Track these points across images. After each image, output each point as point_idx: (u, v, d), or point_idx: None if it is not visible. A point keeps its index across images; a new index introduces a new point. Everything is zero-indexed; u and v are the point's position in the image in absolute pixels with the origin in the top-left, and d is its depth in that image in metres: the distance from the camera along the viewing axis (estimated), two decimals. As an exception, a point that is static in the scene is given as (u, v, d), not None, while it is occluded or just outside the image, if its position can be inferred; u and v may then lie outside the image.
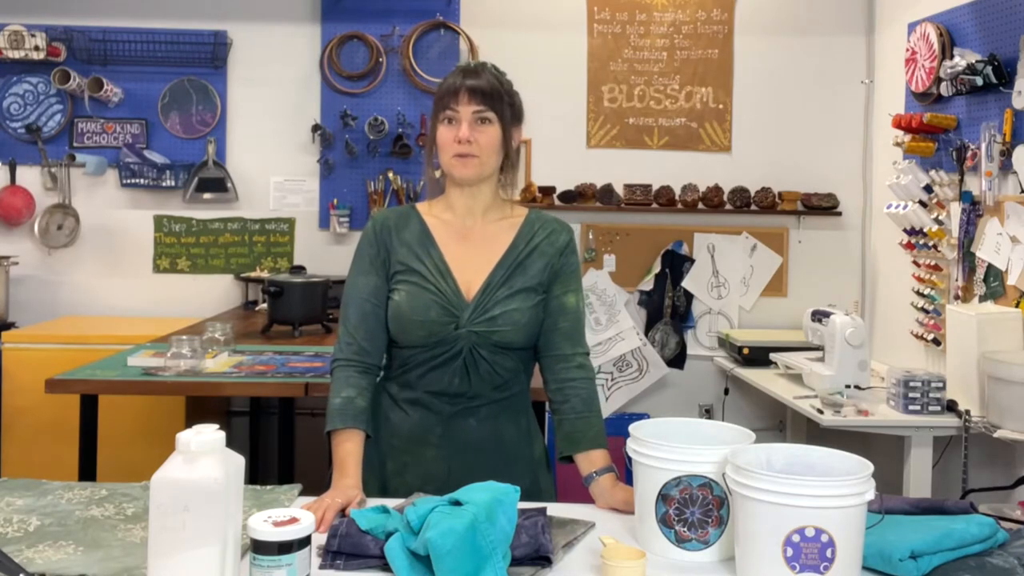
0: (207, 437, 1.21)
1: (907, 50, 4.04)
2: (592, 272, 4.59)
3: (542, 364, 1.94)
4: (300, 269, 4.00)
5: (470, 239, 1.92)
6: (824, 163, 4.61)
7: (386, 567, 1.38)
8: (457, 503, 1.40)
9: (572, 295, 1.92)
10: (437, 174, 1.95)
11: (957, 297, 3.68)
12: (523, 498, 1.82)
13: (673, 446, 1.47)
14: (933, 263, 3.84)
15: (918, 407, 3.23)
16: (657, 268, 4.60)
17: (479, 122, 1.85)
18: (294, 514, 1.25)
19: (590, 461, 1.82)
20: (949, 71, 3.60)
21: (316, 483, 1.88)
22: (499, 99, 1.86)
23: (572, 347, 1.91)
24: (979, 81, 3.40)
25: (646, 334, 4.60)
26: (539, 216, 1.98)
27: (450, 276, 1.87)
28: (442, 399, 1.87)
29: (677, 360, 4.60)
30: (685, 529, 1.46)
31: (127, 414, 3.53)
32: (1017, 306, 3.28)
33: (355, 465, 1.77)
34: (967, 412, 3.17)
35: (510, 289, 1.87)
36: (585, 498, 1.77)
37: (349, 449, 1.79)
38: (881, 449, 3.47)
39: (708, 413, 4.61)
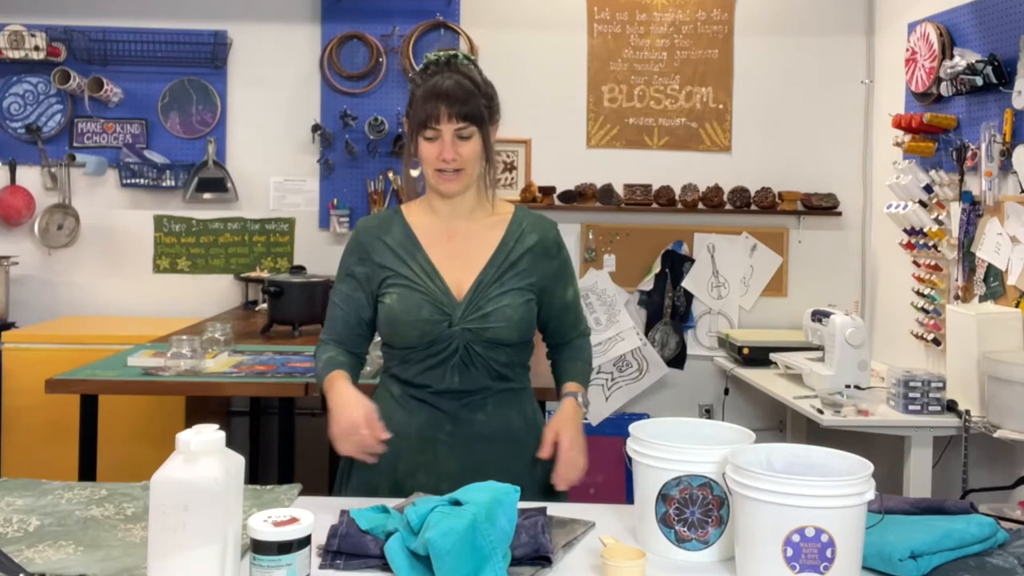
0: (207, 437, 1.22)
1: (907, 50, 4.04)
2: (592, 272, 4.59)
3: (549, 348, 2.06)
4: (300, 269, 4.00)
5: (456, 238, 1.94)
6: (824, 163, 4.61)
7: (386, 567, 1.38)
8: (457, 503, 1.40)
9: (569, 289, 2.01)
10: (415, 173, 1.97)
11: (957, 297, 3.68)
12: (535, 487, 1.85)
13: (673, 446, 1.47)
14: (933, 263, 3.84)
15: (918, 407, 3.23)
16: (657, 268, 4.60)
17: (460, 138, 1.85)
18: (294, 514, 1.25)
19: (566, 388, 1.98)
20: (949, 71, 3.60)
21: (316, 483, 1.88)
22: (477, 106, 1.84)
23: (575, 330, 2.05)
24: (979, 81, 3.41)
25: (646, 334, 4.60)
26: (527, 213, 2.00)
27: (438, 277, 1.89)
28: (446, 396, 1.88)
29: (677, 360, 4.60)
30: (685, 529, 1.46)
31: (127, 414, 3.53)
32: (1017, 306, 3.28)
33: (351, 385, 1.83)
34: (967, 412, 3.17)
35: (502, 287, 1.89)
36: (585, 498, 1.78)
37: (341, 379, 1.84)
38: (881, 449, 3.47)
39: (708, 413, 4.61)
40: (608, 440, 4.31)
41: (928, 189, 3.81)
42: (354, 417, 1.73)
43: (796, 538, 1.28)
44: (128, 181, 4.50)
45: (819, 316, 3.70)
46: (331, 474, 2.00)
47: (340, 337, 1.95)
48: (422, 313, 1.85)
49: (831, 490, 1.28)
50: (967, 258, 3.60)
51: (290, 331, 3.52)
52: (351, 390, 1.80)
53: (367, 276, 1.93)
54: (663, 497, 1.46)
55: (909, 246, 3.98)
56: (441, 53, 1.91)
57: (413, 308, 1.86)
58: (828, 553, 1.28)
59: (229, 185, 4.56)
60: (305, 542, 1.24)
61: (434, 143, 1.85)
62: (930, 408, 3.22)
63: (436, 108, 1.82)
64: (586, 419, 1.96)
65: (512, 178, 4.59)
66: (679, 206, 4.54)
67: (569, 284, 1.99)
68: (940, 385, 3.24)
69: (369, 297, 1.93)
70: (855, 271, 4.65)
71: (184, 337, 2.90)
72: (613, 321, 4.57)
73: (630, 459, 1.52)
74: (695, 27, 4.61)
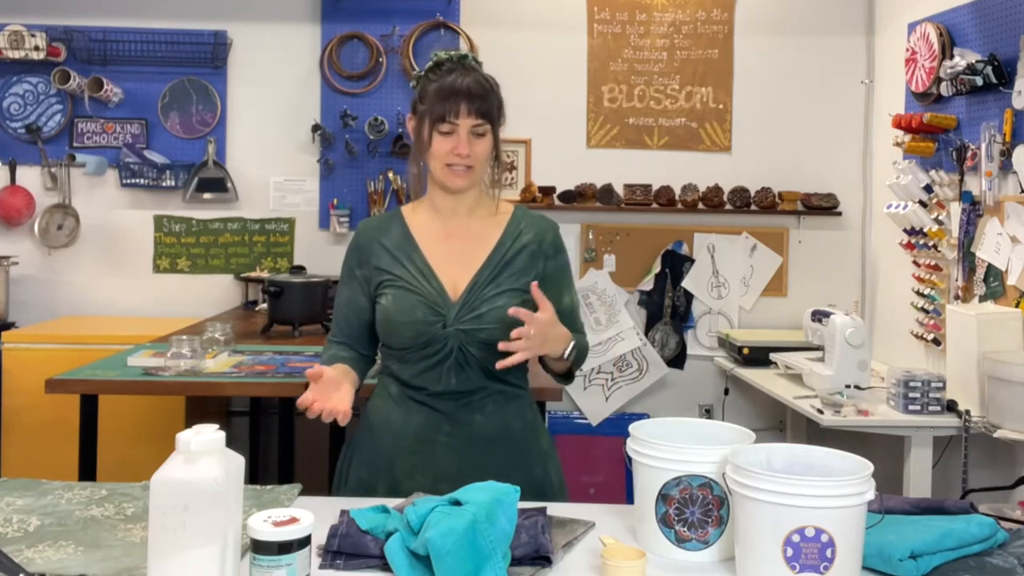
0: (207, 437, 1.21)
1: (907, 50, 4.04)
2: (592, 272, 4.59)
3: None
4: (300, 269, 4.00)
5: (454, 238, 1.94)
6: (824, 163, 4.62)
7: (386, 567, 1.38)
8: (457, 503, 1.40)
9: (566, 296, 1.96)
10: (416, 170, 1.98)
11: (957, 297, 3.68)
12: (534, 489, 1.84)
13: (673, 446, 1.47)
14: (933, 263, 3.84)
15: (918, 407, 3.23)
16: (657, 268, 4.60)
17: (475, 135, 1.87)
18: (294, 514, 1.25)
19: None
20: (949, 71, 3.60)
21: (316, 483, 1.88)
22: (492, 105, 1.88)
23: None
24: (979, 81, 3.40)
25: (646, 334, 4.60)
26: (526, 213, 2.00)
27: (434, 278, 1.89)
28: (443, 398, 1.88)
29: (677, 360, 4.60)
30: (685, 529, 1.46)
31: (127, 414, 3.53)
32: (1017, 306, 3.28)
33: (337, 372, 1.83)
34: (967, 412, 3.17)
35: (498, 288, 1.88)
36: (585, 498, 1.77)
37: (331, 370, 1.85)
38: (881, 449, 3.47)
39: (708, 413, 4.61)
40: (608, 440, 4.30)
41: (928, 189, 3.81)
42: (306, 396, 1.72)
43: (796, 538, 1.28)
44: (128, 181, 4.50)
45: (819, 316, 3.70)
46: (331, 474, 2.00)
47: (347, 339, 1.98)
48: (416, 314, 1.85)
49: (831, 490, 1.28)
50: (967, 258, 3.60)
51: (290, 331, 3.52)
52: (332, 371, 1.80)
53: (366, 279, 1.94)
54: (663, 497, 1.46)
55: (909, 246, 3.98)
56: (452, 52, 1.93)
57: (407, 309, 1.86)
58: (828, 553, 1.28)
59: (229, 185, 4.56)
60: (305, 542, 1.24)
61: (450, 137, 1.86)
62: (930, 408, 3.22)
63: (456, 103, 1.84)
64: (569, 365, 1.92)
65: (512, 178, 4.58)
66: (679, 206, 4.54)
67: (566, 291, 1.96)
68: (940, 385, 3.24)
69: (368, 300, 1.94)
70: (855, 271, 4.65)
71: (184, 337, 2.90)
72: (613, 321, 4.57)
73: (630, 459, 1.52)
74: (695, 27, 4.61)
